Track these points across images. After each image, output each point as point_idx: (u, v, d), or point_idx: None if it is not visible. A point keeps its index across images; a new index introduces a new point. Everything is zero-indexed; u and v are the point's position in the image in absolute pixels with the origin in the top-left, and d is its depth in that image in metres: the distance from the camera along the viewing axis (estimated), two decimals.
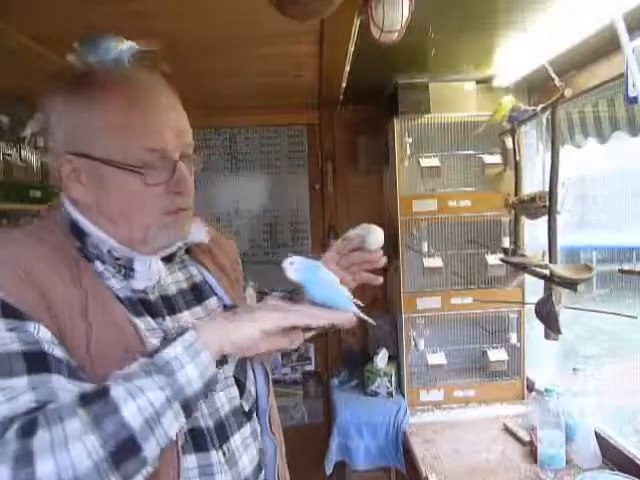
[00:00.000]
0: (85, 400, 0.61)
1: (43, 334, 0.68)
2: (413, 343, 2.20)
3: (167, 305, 0.85)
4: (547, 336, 1.47)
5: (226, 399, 0.85)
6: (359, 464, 2.10)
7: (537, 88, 2.04)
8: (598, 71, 1.57)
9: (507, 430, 1.96)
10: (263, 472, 0.89)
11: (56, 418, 0.59)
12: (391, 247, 2.24)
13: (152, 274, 0.82)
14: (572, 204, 1.99)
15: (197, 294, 0.91)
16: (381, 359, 2.29)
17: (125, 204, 0.80)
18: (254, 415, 0.90)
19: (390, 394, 2.26)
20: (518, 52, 1.74)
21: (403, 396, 2.23)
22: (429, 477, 1.67)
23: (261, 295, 1.08)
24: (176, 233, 0.84)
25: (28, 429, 0.58)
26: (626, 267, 1.50)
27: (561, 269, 1.38)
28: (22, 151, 2.08)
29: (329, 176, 2.60)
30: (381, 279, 0.99)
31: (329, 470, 2.10)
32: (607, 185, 1.87)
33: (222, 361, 0.81)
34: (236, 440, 0.84)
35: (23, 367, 0.64)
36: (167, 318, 0.83)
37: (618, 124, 1.57)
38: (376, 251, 0.98)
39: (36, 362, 0.65)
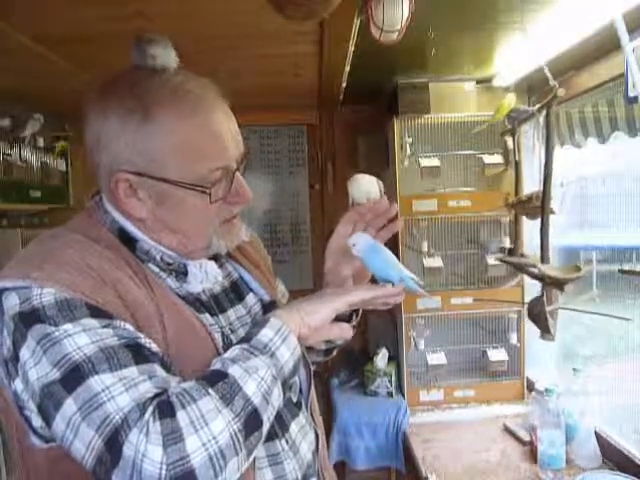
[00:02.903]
0: (208, 382, 0.64)
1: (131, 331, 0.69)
2: (413, 343, 2.20)
3: (217, 304, 0.87)
4: (542, 336, 1.47)
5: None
6: (359, 464, 2.10)
7: (537, 88, 2.04)
8: (598, 71, 1.56)
9: (507, 430, 1.96)
10: (316, 458, 0.92)
11: (189, 399, 0.62)
12: (391, 247, 2.23)
13: (209, 277, 0.85)
14: (572, 204, 1.99)
15: (237, 291, 0.92)
16: (381, 359, 2.29)
17: (187, 220, 0.79)
18: (303, 405, 0.92)
19: (390, 394, 2.26)
20: (518, 52, 1.73)
21: (403, 396, 2.23)
22: (429, 477, 1.67)
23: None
24: (232, 239, 0.85)
25: (166, 411, 0.60)
26: (626, 267, 1.51)
27: (549, 269, 1.38)
28: (22, 151, 2.09)
29: (329, 176, 2.60)
30: (401, 222, 0.95)
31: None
32: (607, 185, 1.87)
33: None
34: (294, 429, 0.86)
35: (130, 358, 0.64)
36: (220, 316, 0.86)
37: (618, 124, 1.57)
38: (378, 201, 0.91)
39: (139, 353, 0.66)
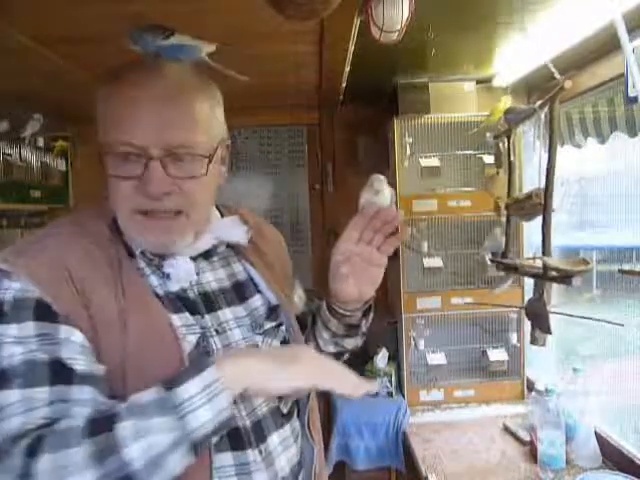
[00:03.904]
0: (92, 429, 0.60)
1: (75, 338, 0.69)
2: (413, 343, 2.20)
3: (206, 302, 0.84)
4: (533, 341, 1.43)
5: (263, 399, 0.84)
6: (359, 464, 2.10)
7: (537, 88, 2.04)
8: (598, 71, 1.56)
9: (507, 430, 1.96)
10: (302, 474, 0.88)
11: (62, 444, 0.59)
12: None
13: (182, 275, 0.82)
14: (572, 204, 1.99)
15: (239, 292, 0.89)
16: (381, 359, 2.29)
17: (110, 191, 0.78)
18: (294, 416, 0.89)
19: (390, 394, 2.26)
20: (518, 52, 1.74)
21: (403, 396, 2.23)
22: (429, 477, 1.67)
23: (308, 293, 1.07)
24: (156, 237, 0.78)
25: (35, 448, 0.59)
26: (626, 267, 1.50)
27: (556, 261, 1.36)
28: (22, 151, 2.09)
29: (329, 176, 2.60)
30: (407, 232, 0.93)
31: (329, 470, 2.10)
32: (607, 185, 1.87)
33: None
34: (274, 440, 0.83)
35: (47, 377, 0.65)
36: (206, 316, 0.83)
37: (617, 124, 1.57)
38: (386, 208, 0.88)
39: (60, 372, 0.65)
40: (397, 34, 1.24)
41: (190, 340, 0.78)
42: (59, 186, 2.41)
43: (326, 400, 2.60)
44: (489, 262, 1.91)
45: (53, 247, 0.74)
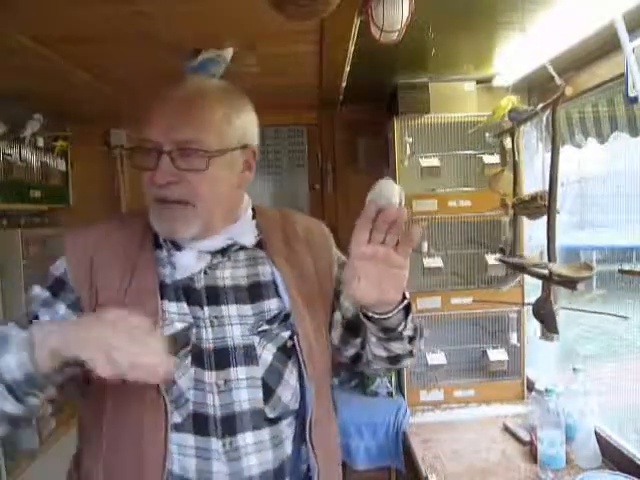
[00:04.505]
0: None
1: (60, 311, 0.88)
2: None
3: (211, 295, 0.90)
4: (544, 336, 1.45)
5: (247, 398, 0.87)
6: (359, 464, 2.10)
7: (537, 88, 2.04)
8: (598, 71, 1.56)
9: (507, 430, 1.96)
10: None
11: None
12: None
13: (185, 266, 0.90)
14: (572, 204, 1.99)
15: (254, 292, 0.92)
16: None
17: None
18: (282, 423, 0.90)
19: (390, 394, 2.26)
20: (518, 52, 1.73)
21: (403, 396, 2.23)
22: (429, 477, 1.67)
23: None
24: (166, 224, 0.89)
25: None
26: (626, 267, 1.50)
27: (561, 268, 1.37)
28: (22, 151, 2.08)
29: (329, 176, 2.60)
30: (417, 231, 0.81)
31: None
32: (607, 185, 1.87)
33: (249, 361, 0.87)
34: (246, 438, 0.86)
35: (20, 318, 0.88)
36: (205, 307, 0.89)
37: (618, 124, 1.57)
38: (390, 206, 0.81)
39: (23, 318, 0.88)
40: (397, 34, 1.24)
41: (177, 326, 0.87)
42: (59, 186, 2.40)
43: None
44: (497, 261, 1.90)
45: (92, 234, 0.94)
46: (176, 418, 0.84)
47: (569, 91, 1.34)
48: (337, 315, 1.00)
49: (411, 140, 2.14)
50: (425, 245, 2.16)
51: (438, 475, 1.68)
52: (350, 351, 1.01)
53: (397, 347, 0.92)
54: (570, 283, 1.31)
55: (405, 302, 0.86)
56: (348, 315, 0.99)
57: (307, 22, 1.15)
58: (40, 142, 2.20)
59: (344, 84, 2.02)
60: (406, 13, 1.20)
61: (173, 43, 1.40)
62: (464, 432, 1.98)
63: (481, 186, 2.19)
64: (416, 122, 2.14)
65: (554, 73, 1.36)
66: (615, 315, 1.33)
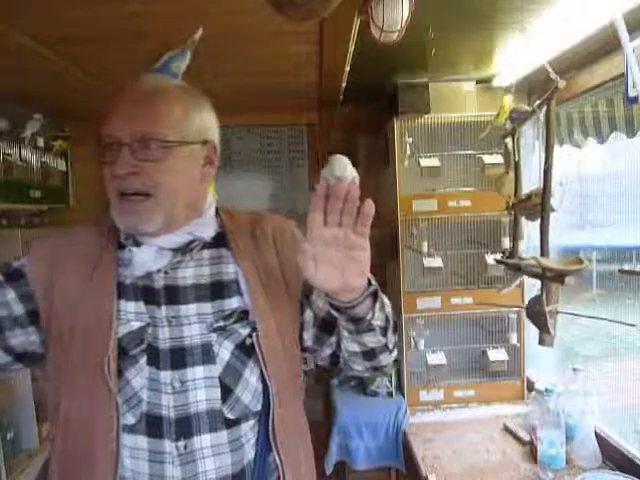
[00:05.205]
0: None
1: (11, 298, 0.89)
2: (413, 343, 2.20)
3: (169, 295, 0.89)
4: (541, 342, 1.42)
5: (204, 398, 0.85)
6: (359, 464, 2.10)
7: (537, 88, 2.04)
8: (598, 71, 1.56)
9: (507, 430, 1.96)
10: None
11: None
12: (391, 247, 2.24)
13: (138, 263, 0.89)
14: (572, 204, 1.99)
15: (215, 291, 0.91)
16: None
17: None
18: (243, 425, 0.88)
19: (390, 394, 2.26)
20: (518, 52, 1.73)
21: (403, 396, 2.23)
22: (429, 477, 1.67)
23: None
24: (128, 216, 0.88)
25: None
26: (626, 267, 1.50)
27: (551, 262, 1.35)
28: (22, 151, 2.08)
29: None
30: (370, 204, 0.76)
31: (329, 470, 2.10)
32: (607, 185, 1.87)
33: (206, 360, 0.85)
34: (203, 441, 0.84)
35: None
36: (162, 307, 0.88)
37: (617, 124, 1.57)
38: (338, 180, 0.79)
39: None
40: (397, 34, 1.24)
41: (132, 325, 0.87)
42: (59, 186, 2.40)
43: (326, 400, 2.60)
44: (494, 262, 1.90)
45: (57, 238, 0.97)
46: (129, 419, 0.83)
47: (562, 84, 1.33)
48: (308, 315, 0.97)
49: (411, 140, 2.14)
50: (425, 245, 2.16)
51: (438, 475, 1.68)
52: (326, 351, 0.99)
53: (370, 340, 0.91)
54: (558, 277, 1.29)
55: (371, 289, 0.85)
56: (321, 314, 0.96)
57: (307, 22, 1.15)
58: (40, 142, 2.20)
59: (344, 84, 2.02)
60: (406, 13, 1.20)
61: (173, 43, 1.40)
62: (464, 432, 1.98)
63: (481, 186, 2.19)
64: (416, 122, 2.15)
65: (549, 68, 1.36)
66: (624, 323, 1.31)
